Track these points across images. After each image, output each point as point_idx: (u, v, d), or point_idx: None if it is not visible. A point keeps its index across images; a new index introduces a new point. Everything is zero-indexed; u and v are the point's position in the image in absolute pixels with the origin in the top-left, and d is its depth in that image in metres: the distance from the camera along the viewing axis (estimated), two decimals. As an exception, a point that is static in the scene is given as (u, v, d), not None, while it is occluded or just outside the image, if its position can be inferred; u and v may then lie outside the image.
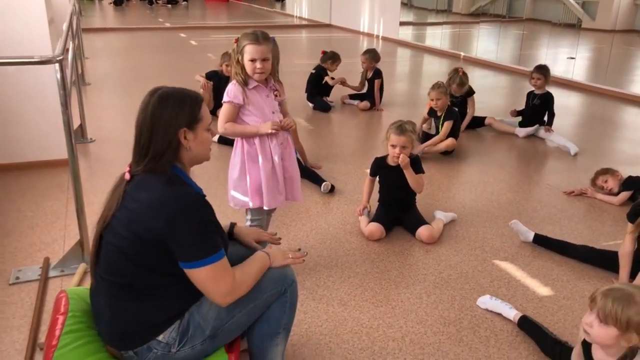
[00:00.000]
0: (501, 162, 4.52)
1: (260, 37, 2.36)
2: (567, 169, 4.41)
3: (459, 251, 3.04)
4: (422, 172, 3.23)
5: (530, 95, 5.20)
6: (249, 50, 2.36)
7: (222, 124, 2.46)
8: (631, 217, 2.66)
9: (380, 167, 3.28)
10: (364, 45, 12.36)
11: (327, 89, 6.14)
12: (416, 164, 3.21)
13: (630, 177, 3.75)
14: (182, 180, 1.62)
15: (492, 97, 6.92)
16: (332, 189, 3.76)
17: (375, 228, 3.12)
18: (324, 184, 3.75)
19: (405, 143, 3.09)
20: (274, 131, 2.44)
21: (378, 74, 6.00)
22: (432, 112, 4.63)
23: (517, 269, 2.85)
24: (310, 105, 6.10)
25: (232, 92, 2.43)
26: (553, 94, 5.14)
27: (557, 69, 8.32)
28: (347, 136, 5.22)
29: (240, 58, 2.40)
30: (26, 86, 4.01)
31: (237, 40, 2.43)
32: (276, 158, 2.50)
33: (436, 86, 4.44)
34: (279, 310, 1.80)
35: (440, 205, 3.60)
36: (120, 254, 1.56)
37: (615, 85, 7.41)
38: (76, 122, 4.87)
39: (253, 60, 2.37)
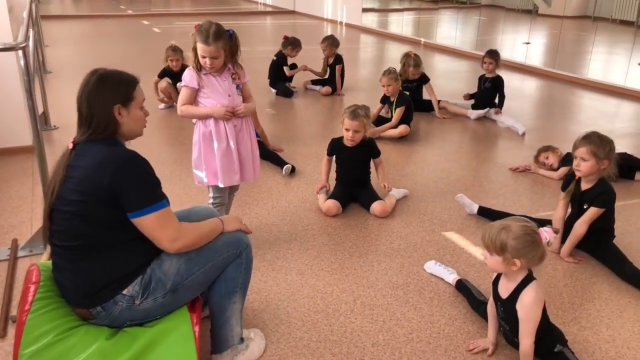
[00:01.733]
0: (453, 143, 4.76)
1: (211, 38, 2.49)
2: (515, 147, 4.69)
3: (409, 224, 3.26)
4: (379, 153, 3.45)
5: (482, 79, 5.46)
6: (199, 48, 2.52)
7: (179, 106, 2.65)
8: (563, 186, 2.93)
9: (336, 147, 3.46)
10: (328, 31, 12.51)
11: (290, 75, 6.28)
12: (372, 147, 3.42)
13: (569, 154, 4.00)
14: (119, 144, 1.82)
15: (450, 81, 7.19)
16: (292, 170, 3.93)
17: (332, 204, 3.31)
18: (285, 166, 3.91)
19: (357, 127, 3.29)
20: (227, 118, 2.63)
21: (339, 59, 6.17)
22: (385, 99, 4.83)
23: (462, 239, 3.09)
24: (273, 91, 6.24)
25: (187, 76, 2.61)
26: (504, 78, 5.41)
27: (513, 54, 8.65)
28: (308, 120, 5.39)
29: (195, 47, 2.55)
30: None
31: (197, 27, 2.55)
32: (231, 140, 2.66)
33: (387, 72, 4.65)
34: (235, 270, 1.97)
35: (394, 183, 3.81)
36: (74, 218, 1.71)
37: (566, 69, 7.77)
38: (39, 110, 4.90)
39: (203, 57, 2.54)
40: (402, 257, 2.89)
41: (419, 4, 14.07)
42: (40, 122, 4.82)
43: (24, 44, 2.54)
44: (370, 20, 12.95)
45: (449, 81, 7.17)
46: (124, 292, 1.76)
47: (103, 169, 1.69)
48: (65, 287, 1.81)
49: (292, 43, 6.11)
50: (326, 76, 6.37)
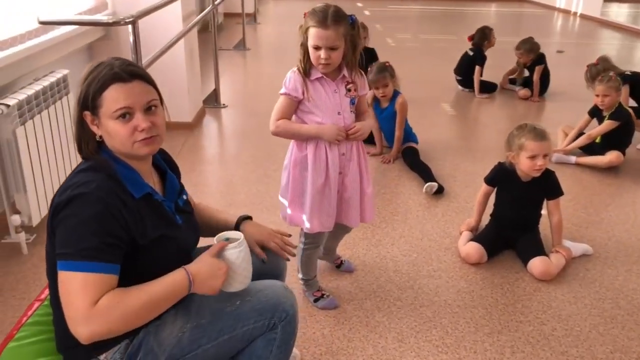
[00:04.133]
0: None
1: (330, 19, 1.81)
2: None
3: (580, 299, 2.31)
4: (561, 192, 2.58)
5: None
6: (313, 35, 1.84)
7: (274, 120, 1.96)
8: None
9: (504, 177, 2.63)
10: (558, 23, 10.87)
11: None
12: (552, 182, 2.56)
13: None
14: (107, 168, 1.31)
15: None
16: (439, 191, 3.18)
17: (473, 250, 2.53)
18: (427, 184, 3.19)
19: (548, 150, 2.47)
20: (338, 142, 1.93)
21: (540, 59, 5.06)
22: (595, 111, 3.70)
23: (658, 342, 2.07)
24: (460, 89, 5.41)
25: (290, 82, 1.93)
26: None
27: None
28: (491, 128, 4.49)
29: (305, 39, 1.88)
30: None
31: (306, 15, 1.92)
32: (333, 173, 1.96)
33: (605, 78, 3.51)
34: (264, 349, 1.43)
35: (577, 231, 2.83)
36: (48, 257, 1.33)
37: None
38: (211, 87, 4.93)
39: (317, 48, 1.84)
40: (551, 350, 2.01)
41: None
42: (210, 99, 4.88)
43: (131, 19, 2.29)
44: (615, 13, 10.87)
45: None
46: (101, 357, 1.34)
47: (54, 198, 1.28)
48: None
49: (484, 32, 5.19)
50: (527, 74, 5.28)
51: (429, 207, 3.09)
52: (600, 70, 3.96)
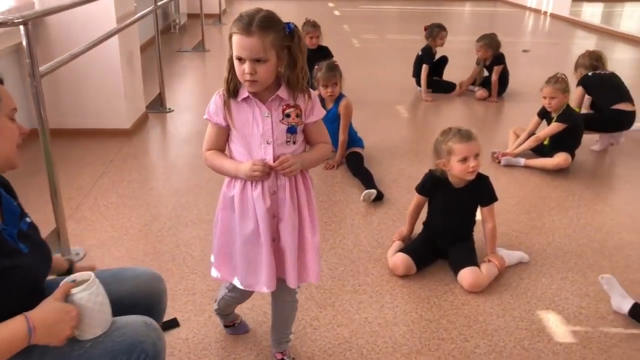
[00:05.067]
0: (637, 188, 3.36)
1: (255, 25, 1.43)
2: None
3: (509, 311, 2.18)
4: (494, 198, 2.45)
5: None
6: (235, 43, 1.46)
7: (203, 151, 1.65)
8: None
9: (435, 184, 2.49)
10: (529, 22, 10.85)
11: (438, 69, 5.26)
12: (487, 187, 2.44)
13: None
14: None
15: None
16: (378, 198, 3.04)
17: (400, 261, 2.39)
18: (365, 192, 3.04)
19: (477, 149, 2.33)
20: (255, 177, 1.53)
21: (499, 59, 4.96)
22: (544, 113, 3.58)
23: (589, 354, 1.94)
24: (419, 89, 5.29)
25: (211, 105, 1.58)
26: None
27: None
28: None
29: (231, 51, 1.51)
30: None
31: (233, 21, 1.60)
32: (262, 216, 1.57)
33: (552, 80, 3.40)
34: (119, 394, 1.27)
35: (516, 238, 2.71)
36: None
37: None
38: (155, 91, 4.74)
39: (240, 60, 1.46)
40: (469, 371, 1.88)
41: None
42: (155, 104, 4.70)
43: (21, 19, 2.10)
44: (584, 12, 10.84)
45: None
46: None
47: None
48: None
49: (432, 30, 5.07)
50: (485, 73, 5.17)
51: (365, 215, 2.94)
52: (586, 64, 3.89)
